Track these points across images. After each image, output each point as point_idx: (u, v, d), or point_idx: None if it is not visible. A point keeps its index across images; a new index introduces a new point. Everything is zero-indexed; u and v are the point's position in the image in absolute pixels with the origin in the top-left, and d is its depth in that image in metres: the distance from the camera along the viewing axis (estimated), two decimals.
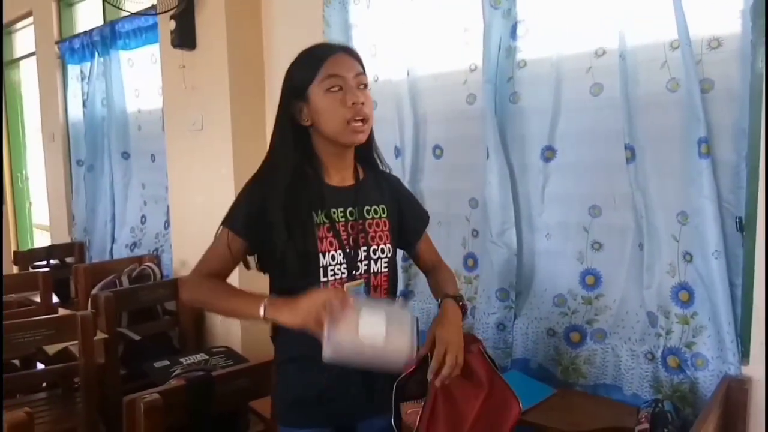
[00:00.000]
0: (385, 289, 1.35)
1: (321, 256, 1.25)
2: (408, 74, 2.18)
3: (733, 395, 1.49)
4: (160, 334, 2.84)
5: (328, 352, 1.08)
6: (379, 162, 1.44)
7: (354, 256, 1.29)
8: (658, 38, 1.65)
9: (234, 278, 1.31)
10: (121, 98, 3.64)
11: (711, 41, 1.58)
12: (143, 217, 3.68)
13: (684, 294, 1.65)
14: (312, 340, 1.24)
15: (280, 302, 1.16)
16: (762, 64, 1.48)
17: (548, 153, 1.91)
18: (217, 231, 1.31)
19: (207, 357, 2.32)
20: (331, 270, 1.26)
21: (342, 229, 1.29)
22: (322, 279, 1.26)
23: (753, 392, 1.52)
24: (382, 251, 1.33)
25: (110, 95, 3.66)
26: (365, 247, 1.30)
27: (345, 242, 1.28)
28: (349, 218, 1.30)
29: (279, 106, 1.32)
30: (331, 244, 1.27)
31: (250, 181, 1.33)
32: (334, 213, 1.30)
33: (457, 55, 2.08)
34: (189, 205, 2.99)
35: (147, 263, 3.16)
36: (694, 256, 1.62)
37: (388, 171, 1.48)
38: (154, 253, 3.48)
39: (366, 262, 1.30)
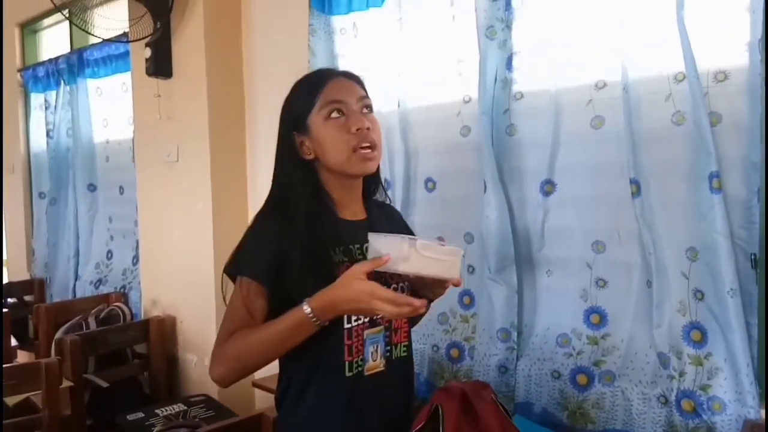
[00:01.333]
0: (405, 332, 1.26)
1: None
2: (399, 105, 2.11)
3: None
4: (129, 380, 2.66)
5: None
6: (384, 193, 1.36)
7: None
8: (661, 71, 1.61)
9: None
10: (89, 128, 3.48)
11: (717, 74, 1.54)
12: (110, 252, 3.50)
13: (696, 333, 1.59)
14: (335, 375, 1.15)
15: (322, 300, 1.05)
16: None
17: (548, 187, 1.85)
18: (224, 287, 1.18)
19: (185, 408, 2.15)
20: (355, 315, 1.16)
21: None
22: (346, 325, 1.15)
23: None
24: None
25: (77, 125, 3.50)
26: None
27: None
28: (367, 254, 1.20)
29: (278, 140, 1.24)
30: None
31: (257, 220, 1.21)
32: (352, 250, 1.20)
33: (450, 86, 2.02)
34: (162, 240, 2.83)
35: (115, 303, 2.98)
36: (706, 293, 1.56)
37: (389, 202, 1.41)
38: (122, 290, 3.29)
39: None
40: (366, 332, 1.18)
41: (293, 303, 1.09)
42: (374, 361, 1.20)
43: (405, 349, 1.27)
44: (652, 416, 1.64)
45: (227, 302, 1.19)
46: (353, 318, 1.16)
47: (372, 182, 1.30)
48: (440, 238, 1.12)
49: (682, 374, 1.59)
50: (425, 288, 1.17)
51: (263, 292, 1.13)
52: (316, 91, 1.18)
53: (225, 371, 1.13)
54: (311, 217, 1.15)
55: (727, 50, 1.53)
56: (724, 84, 1.54)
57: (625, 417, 1.69)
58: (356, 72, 1.29)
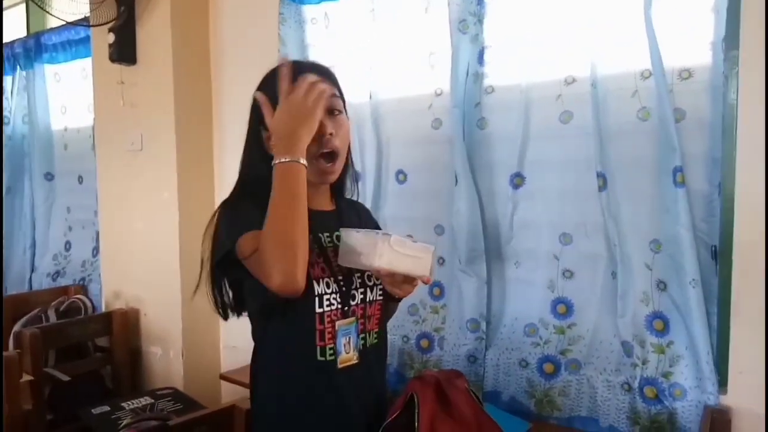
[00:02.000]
0: (377, 319, 1.26)
1: (315, 283, 1.14)
2: (370, 97, 2.11)
3: (717, 426, 1.48)
4: (91, 374, 2.60)
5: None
6: (351, 190, 1.36)
7: (348, 284, 1.18)
8: (628, 68, 1.66)
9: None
10: (46, 115, 3.37)
11: (682, 72, 1.60)
12: (68, 243, 3.40)
13: (659, 323, 1.64)
14: (306, 358, 1.14)
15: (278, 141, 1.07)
16: (735, 95, 1.50)
17: (517, 180, 1.88)
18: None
19: (152, 401, 2.11)
20: (327, 300, 1.15)
21: (332, 255, 1.19)
22: (317, 310, 1.14)
23: (735, 423, 1.51)
24: (369, 284, 1.23)
25: (33, 111, 3.38)
26: (359, 274, 1.20)
27: (337, 270, 1.18)
28: (337, 243, 1.19)
29: (247, 132, 1.22)
30: (323, 270, 1.16)
31: (224, 205, 1.18)
32: (320, 238, 1.19)
33: (422, 79, 2.03)
34: (124, 231, 2.77)
35: (76, 296, 2.89)
36: (669, 284, 1.62)
37: (356, 198, 1.41)
38: (81, 282, 3.20)
39: (362, 290, 1.20)
40: (338, 323, 1.17)
41: (261, 287, 1.06)
42: (347, 354, 1.19)
43: (377, 336, 1.26)
44: (616, 403, 1.69)
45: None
46: (325, 303, 1.15)
47: (338, 182, 1.28)
48: (409, 236, 1.12)
49: (645, 362, 1.64)
50: (395, 284, 1.15)
51: None
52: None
53: (285, 265, 1.02)
54: None
55: (692, 49, 1.58)
56: (688, 81, 1.59)
57: (590, 404, 1.74)
58: (327, 63, 1.27)
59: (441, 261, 2.04)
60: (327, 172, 1.17)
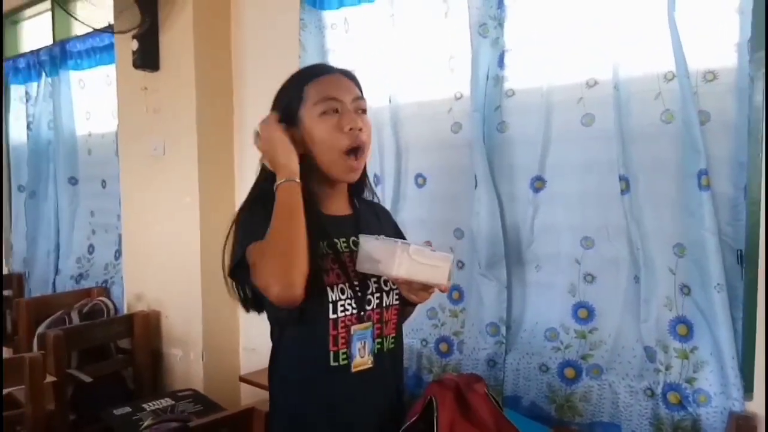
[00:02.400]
0: (394, 324, 1.26)
1: (329, 290, 1.14)
2: (390, 101, 2.11)
3: None
4: (113, 375, 2.63)
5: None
6: (372, 192, 1.36)
7: (363, 289, 1.18)
8: (651, 70, 1.64)
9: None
10: (71, 121, 3.43)
11: (706, 74, 1.57)
12: (91, 246, 3.45)
13: (682, 328, 1.62)
14: (319, 363, 1.15)
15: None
16: (762, 97, 1.48)
17: (538, 183, 1.87)
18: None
19: (173, 402, 2.13)
20: (341, 306, 1.16)
21: (348, 260, 1.19)
22: (332, 316, 1.15)
23: (761, 430, 1.48)
24: (385, 289, 1.23)
25: (58, 117, 3.44)
26: (375, 278, 1.20)
27: (353, 275, 1.18)
28: (353, 248, 1.20)
29: None
30: (338, 276, 1.17)
31: (241, 212, 1.20)
32: (336, 243, 1.20)
33: (441, 82, 2.03)
34: (146, 234, 2.80)
35: (99, 298, 2.93)
36: (693, 288, 1.60)
37: (377, 201, 1.41)
38: (103, 285, 3.25)
39: (378, 294, 1.20)
40: (353, 328, 1.17)
41: None
42: (362, 358, 1.19)
43: (393, 341, 1.26)
44: (638, 409, 1.67)
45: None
46: (339, 309, 1.16)
47: (357, 184, 1.30)
48: (428, 242, 1.12)
49: (668, 368, 1.62)
50: (411, 291, 1.15)
51: None
52: (311, 84, 1.18)
53: (277, 275, 1.04)
54: None
55: (716, 51, 1.56)
56: (712, 84, 1.57)
57: (612, 410, 1.72)
58: (347, 67, 1.28)
59: (460, 265, 2.03)
60: (352, 168, 1.18)
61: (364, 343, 1.19)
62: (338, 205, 1.26)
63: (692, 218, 1.56)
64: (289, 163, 1.13)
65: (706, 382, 1.56)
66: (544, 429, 1.73)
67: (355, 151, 1.18)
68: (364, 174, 1.29)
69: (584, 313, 1.81)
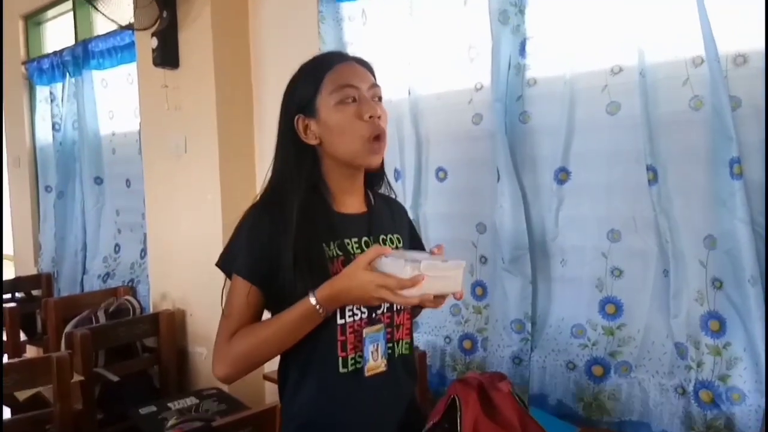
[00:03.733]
0: (407, 328, 1.22)
1: None
2: (409, 93, 2.08)
3: None
4: (139, 374, 2.65)
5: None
6: (389, 187, 1.32)
7: None
8: (678, 54, 1.58)
9: (267, 314, 1.17)
10: (94, 120, 3.47)
11: (736, 57, 1.51)
12: (117, 245, 3.49)
13: (714, 323, 1.56)
14: (328, 369, 1.12)
15: (328, 291, 1.03)
16: None
17: (562, 175, 1.82)
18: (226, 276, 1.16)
19: (197, 401, 2.13)
20: (350, 310, 1.12)
21: None
22: (339, 321, 1.11)
23: None
24: None
25: (82, 117, 3.48)
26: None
27: None
28: (365, 249, 1.16)
29: (279, 124, 1.18)
30: None
31: (250, 212, 1.16)
32: (348, 244, 1.15)
33: (461, 73, 1.99)
34: (170, 232, 2.82)
35: (125, 297, 2.96)
36: (725, 282, 1.53)
37: (394, 197, 1.36)
38: (129, 284, 3.28)
39: None
40: (365, 330, 1.13)
41: (288, 297, 1.07)
42: (375, 361, 1.15)
43: (407, 346, 1.23)
44: (669, 407, 1.61)
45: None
46: (347, 314, 1.12)
47: (375, 175, 1.26)
48: (437, 248, 1.09)
49: (700, 364, 1.56)
50: (425, 300, 1.10)
51: (257, 290, 1.11)
52: (326, 73, 1.13)
53: (232, 371, 1.11)
54: (305, 212, 1.11)
55: (747, 33, 1.49)
56: (743, 68, 1.50)
57: (642, 408, 1.67)
58: (365, 60, 1.25)
59: (483, 260, 1.99)
60: (376, 152, 1.14)
61: (377, 345, 1.16)
62: (353, 202, 1.22)
63: (724, 208, 1.49)
64: (342, 305, 1.08)
65: (740, 379, 1.51)
66: (572, 428, 1.69)
67: (378, 138, 1.14)
68: (382, 166, 1.25)
69: (612, 308, 1.76)
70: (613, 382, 1.71)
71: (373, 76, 1.19)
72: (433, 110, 2.07)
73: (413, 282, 0.97)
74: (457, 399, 1.23)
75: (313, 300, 1.04)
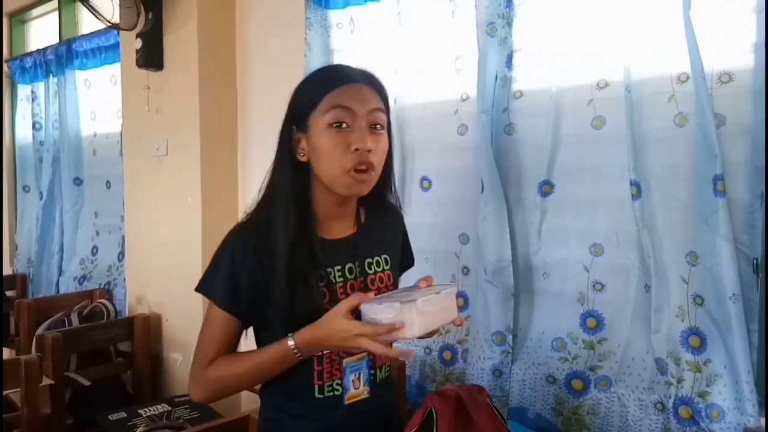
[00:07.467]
0: None
1: None
2: (395, 102, 2.06)
3: None
4: (112, 378, 2.59)
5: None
6: (396, 199, 1.26)
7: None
8: (664, 71, 1.58)
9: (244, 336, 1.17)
10: (76, 121, 3.41)
11: (722, 75, 1.52)
12: (95, 247, 3.42)
13: (695, 339, 1.55)
14: (303, 396, 1.11)
15: (306, 336, 1.03)
16: None
17: (546, 187, 1.81)
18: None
19: (169, 408, 2.08)
20: None
21: (341, 291, 1.12)
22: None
23: None
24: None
25: (64, 117, 3.42)
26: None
27: None
28: (349, 277, 1.14)
29: (280, 133, 1.13)
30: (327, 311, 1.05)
31: (233, 235, 1.11)
32: (330, 273, 1.12)
33: (448, 83, 1.99)
34: (148, 236, 2.77)
35: (99, 300, 2.90)
36: (706, 299, 1.53)
37: (400, 207, 1.31)
38: (106, 287, 3.22)
39: None
40: (345, 360, 1.12)
41: (269, 327, 1.09)
42: (356, 389, 1.14)
43: (388, 370, 1.23)
44: (648, 423, 1.61)
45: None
46: None
47: (370, 198, 1.16)
48: (424, 280, 1.08)
49: (680, 380, 1.56)
50: (403, 355, 1.10)
51: (235, 319, 1.11)
52: (327, 89, 1.06)
53: (209, 395, 1.13)
54: (287, 243, 1.07)
55: (732, 51, 1.50)
56: (728, 86, 1.51)
57: (621, 423, 1.65)
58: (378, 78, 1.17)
59: (466, 271, 1.98)
60: (361, 181, 1.06)
61: (359, 374, 1.15)
62: (340, 227, 1.16)
63: (706, 225, 1.49)
64: (321, 350, 1.08)
65: (720, 396, 1.50)
66: None
67: (365, 169, 1.06)
68: (383, 189, 1.18)
69: (593, 322, 1.75)
70: (593, 397, 1.70)
71: (382, 98, 1.12)
72: (418, 120, 2.07)
73: (388, 329, 0.96)
74: (433, 411, 1.22)
75: (291, 343, 1.03)
